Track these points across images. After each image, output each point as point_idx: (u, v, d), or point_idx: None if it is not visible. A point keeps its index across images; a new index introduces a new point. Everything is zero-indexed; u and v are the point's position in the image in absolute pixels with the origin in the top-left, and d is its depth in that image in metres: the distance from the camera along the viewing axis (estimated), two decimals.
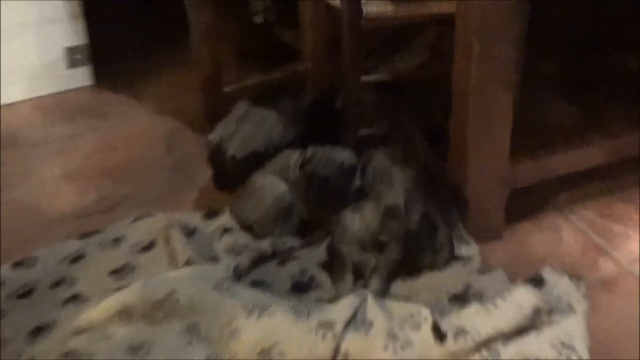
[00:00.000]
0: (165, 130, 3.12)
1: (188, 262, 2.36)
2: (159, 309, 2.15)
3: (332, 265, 2.43)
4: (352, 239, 2.40)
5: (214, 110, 2.99)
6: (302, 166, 2.55)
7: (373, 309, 2.16)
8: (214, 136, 2.78)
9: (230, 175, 2.73)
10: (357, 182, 2.53)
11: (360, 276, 2.39)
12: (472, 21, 2.16)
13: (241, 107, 2.86)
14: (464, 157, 2.39)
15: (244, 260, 2.48)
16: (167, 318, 2.13)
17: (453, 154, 2.45)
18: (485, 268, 2.45)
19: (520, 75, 2.32)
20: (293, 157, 2.61)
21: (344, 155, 2.60)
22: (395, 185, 2.43)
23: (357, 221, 2.41)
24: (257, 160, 2.67)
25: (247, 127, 2.76)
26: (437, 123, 2.59)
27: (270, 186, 2.60)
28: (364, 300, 2.18)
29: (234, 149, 2.73)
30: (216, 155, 2.77)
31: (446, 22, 2.31)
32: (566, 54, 2.82)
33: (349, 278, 2.39)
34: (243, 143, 2.73)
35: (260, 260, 2.50)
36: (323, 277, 2.42)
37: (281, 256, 2.52)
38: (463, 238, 2.53)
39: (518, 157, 2.44)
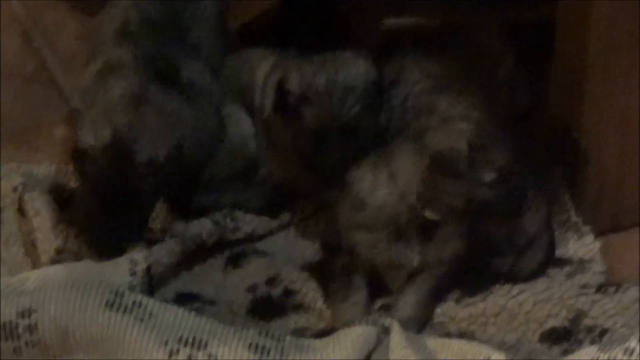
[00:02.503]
0: None
1: (58, 253, 2.04)
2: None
3: (330, 268, 2.02)
4: (373, 219, 1.92)
5: None
6: (279, 100, 2.02)
7: (402, 352, 1.79)
8: (95, 134, 2.03)
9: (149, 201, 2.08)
10: (381, 116, 2.06)
11: (380, 290, 1.99)
12: None
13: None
14: (579, 83, 2.05)
15: (165, 254, 2.02)
16: None
17: (559, 78, 2.13)
18: (610, 282, 2.03)
19: None
20: (261, 67, 2.12)
21: (356, 69, 2.04)
22: (451, 118, 1.98)
23: (384, 184, 1.91)
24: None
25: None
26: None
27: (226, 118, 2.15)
28: (385, 335, 1.86)
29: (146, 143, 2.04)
30: (110, 171, 2.02)
31: None
32: None
33: (359, 293, 1.96)
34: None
35: (194, 255, 2.07)
36: (310, 291, 2.01)
37: (234, 249, 2.10)
38: (572, 226, 2.10)
39: None
